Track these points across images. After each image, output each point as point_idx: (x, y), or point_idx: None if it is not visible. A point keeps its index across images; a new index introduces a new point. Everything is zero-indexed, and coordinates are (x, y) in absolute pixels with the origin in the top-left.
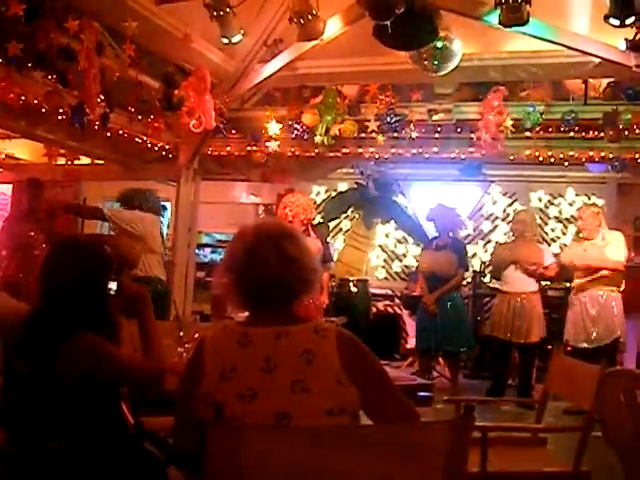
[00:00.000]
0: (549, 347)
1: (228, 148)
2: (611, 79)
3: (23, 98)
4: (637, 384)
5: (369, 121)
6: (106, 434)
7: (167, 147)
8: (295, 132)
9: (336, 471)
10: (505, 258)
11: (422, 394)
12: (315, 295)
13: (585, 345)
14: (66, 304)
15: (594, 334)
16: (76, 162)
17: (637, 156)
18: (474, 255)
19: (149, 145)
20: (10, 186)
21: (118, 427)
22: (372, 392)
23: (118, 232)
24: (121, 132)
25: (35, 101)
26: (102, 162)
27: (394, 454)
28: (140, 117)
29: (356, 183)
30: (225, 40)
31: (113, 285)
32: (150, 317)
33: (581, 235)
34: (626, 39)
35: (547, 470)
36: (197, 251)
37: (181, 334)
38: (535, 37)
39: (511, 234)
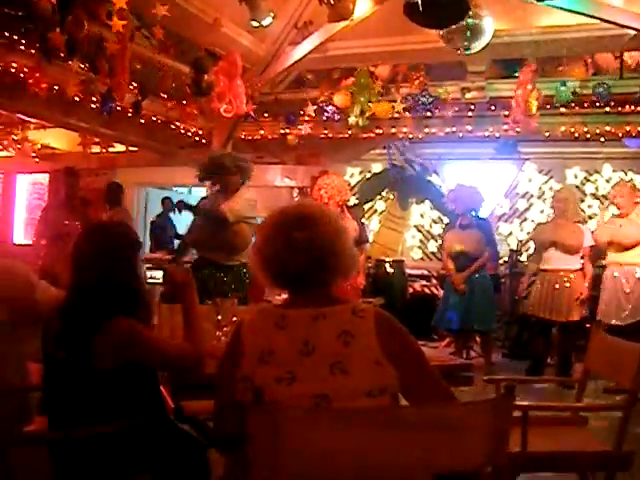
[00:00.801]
0: (588, 326)
1: (261, 132)
2: None
3: (56, 88)
4: None
5: (402, 101)
6: (146, 418)
7: (200, 132)
8: (326, 114)
9: (376, 453)
10: (544, 240)
11: (461, 374)
12: (353, 276)
13: (615, 322)
14: (97, 289)
15: (627, 311)
16: (110, 150)
17: None
18: (510, 234)
19: (182, 131)
20: (47, 176)
21: (158, 411)
22: (409, 373)
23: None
24: (154, 118)
25: (68, 90)
26: (136, 149)
27: (434, 435)
28: (173, 103)
29: (390, 164)
30: (255, 23)
31: (159, 273)
32: (193, 302)
33: (617, 212)
34: None
35: (588, 450)
36: None
37: (219, 318)
38: (567, 10)
39: (552, 212)
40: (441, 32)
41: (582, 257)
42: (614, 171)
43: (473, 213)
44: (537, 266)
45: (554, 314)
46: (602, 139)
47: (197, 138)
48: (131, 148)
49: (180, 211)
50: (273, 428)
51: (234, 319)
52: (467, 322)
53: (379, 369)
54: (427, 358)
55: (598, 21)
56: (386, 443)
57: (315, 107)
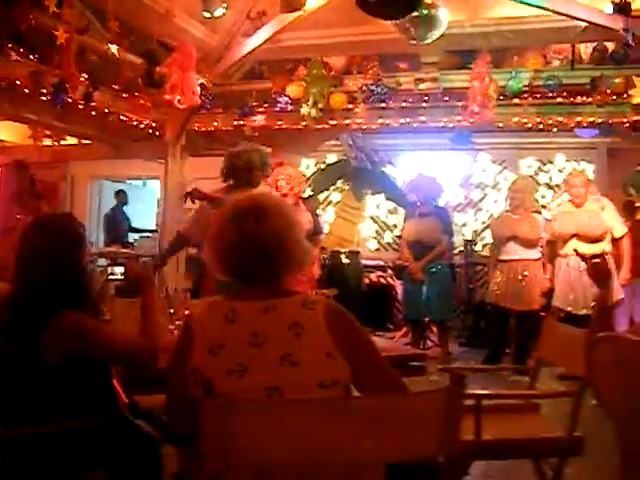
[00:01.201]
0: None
1: (215, 123)
2: (598, 43)
3: (5, 80)
4: (627, 349)
5: (356, 92)
6: (98, 414)
7: (154, 124)
8: (280, 105)
9: (328, 444)
10: (503, 234)
11: (414, 363)
12: (307, 267)
13: (586, 312)
14: (42, 283)
15: (588, 299)
16: (63, 143)
17: (625, 120)
18: (465, 224)
19: (135, 123)
20: None
21: (110, 406)
22: (360, 364)
23: None
24: (106, 111)
25: (18, 82)
26: (89, 142)
27: (386, 425)
28: (125, 95)
29: (345, 155)
30: (207, 14)
31: (120, 269)
32: (151, 297)
33: (573, 202)
34: (612, 2)
35: (540, 436)
36: None
37: (171, 311)
38: (521, 2)
39: (508, 203)
40: (396, 23)
41: (541, 247)
42: (567, 161)
43: (433, 203)
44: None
45: (515, 303)
46: (554, 129)
47: (150, 130)
48: (84, 141)
49: (193, 201)
50: (225, 421)
51: (186, 312)
52: (426, 312)
53: (331, 361)
54: (378, 349)
55: (551, 13)
56: (338, 434)
57: (269, 98)
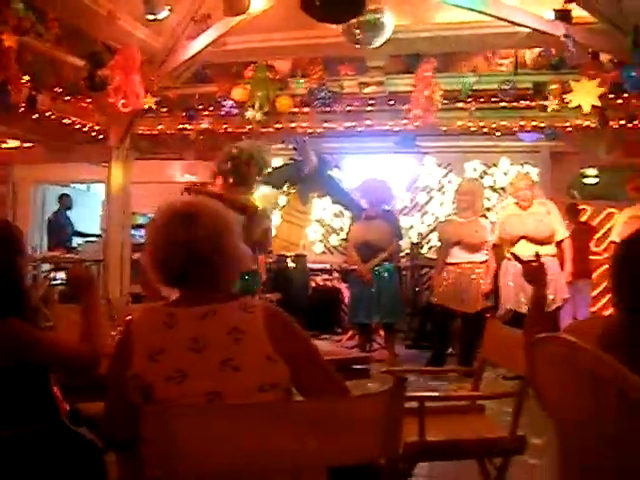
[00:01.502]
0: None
1: (160, 127)
2: (542, 49)
3: None
4: (562, 349)
5: (302, 96)
6: (38, 422)
7: (97, 128)
8: (225, 109)
9: (270, 449)
10: (449, 239)
11: (358, 366)
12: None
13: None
14: None
15: (548, 299)
16: (4, 146)
17: (567, 124)
18: (411, 227)
19: (78, 126)
20: None
21: (51, 414)
22: (300, 367)
23: None
24: (48, 114)
25: None
26: (31, 145)
27: (327, 428)
28: (68, 98)
29: (291, 158)
30: (150, 16)
31: (61, 274)
32: (92, 301)
33: (518, 205)
34: (554, 9)
35: (484, 436)
36: (133, 232)
37: (114, 317)
38: (465, 8)
39: (455, 206)
40: (342, 27)
41: (486, 250)
42: (511, 164)
43: (382, 207)
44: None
45: (460, 305)
46: (498, 133)
47: (94, 134)
48: (26, 144)
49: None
50: (165, 427)
51: (128, 318)
52: (376, 315)
53: (270, 365)
54: (319, 352)
55: (494, 19)
56: (279, 438)
57: (214, 102)
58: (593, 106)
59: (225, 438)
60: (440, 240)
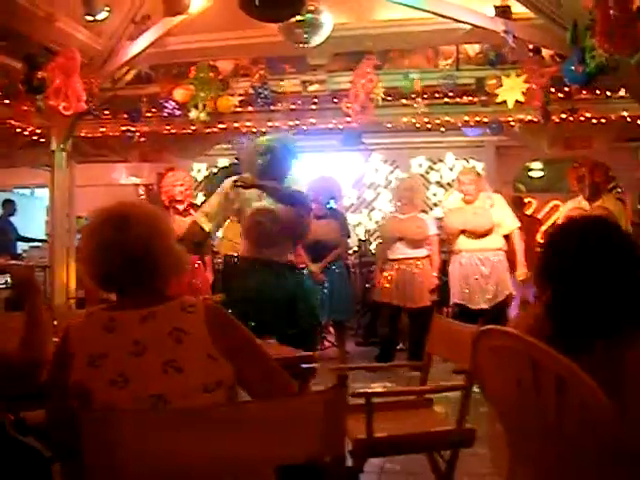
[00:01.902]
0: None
1: (102, 129)
2: (483, 45)
3: None
4: (503, 341)
5: (243, 96)
6: None
7: (38, 131)
8: (167, 110)
9: (214, 451)
10: (390, 236)
11: (305, 365)
12: (199, 273)
13: (484, 306)
14: None
15: (490, 294)
16: None
17: (510, 119)
18: (359, 224)
19: (18, 130)
20: None
21: None
22: (244, 364)
23: None
24: None
25: None
26: None
27: (270, 428)
28: (7, 101)
29: (236, 158)
30: (89, 17)
31: (6, 277)
32: (36, 304)
33: (463, 199)
34: (494, 5)
35: (432, 430)
36: (78, 236)
37: (55, 323)
38: (406, 5)
39: (395, 203)
40: (281, 26)
41: (428, 244)
42: (456, 159)
43: (332, 202)
44: (384, 256)
45: (406, 301)
46: (442, 129)
47: (35, 137)
48: None
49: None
50: (106, 433)
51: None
52: (328, 313)
53: (212, 363)
54: (262, 348)
55: (435, 16)
56: (223, 440)
57: (157, 103)
58: (520, 101)
59: (167, 442)
60: (382, 238)
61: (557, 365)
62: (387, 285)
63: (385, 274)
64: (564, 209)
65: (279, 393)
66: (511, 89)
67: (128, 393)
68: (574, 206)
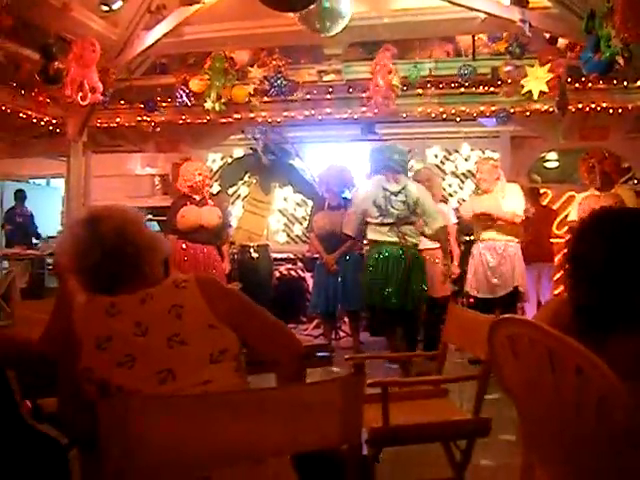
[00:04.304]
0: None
1: (118, 119)
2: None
3: None
4: (521, 330)
5: (259, 85)
6: None
7: (54, 121)
8: (180, 100)
9: (231, 437)
10: None
11: (321, 354)
12: (217, 263)
13: (489, 296)
14: None
15: (495, 284)
16: None
17: (526, 109)
18: None
19: (35, 120)
20: None
21: (10, 412)
22: (246, 325)
23: None
24: (4, 108)
25: None
26: None
27: (289, 415)
28: (24, 91)
29: (251, 148)
30: (105, 7)
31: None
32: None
33: (480, 189)
34: None
35: (448, 419)
36: None
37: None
38: None
39: None
40: (299, 15)
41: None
42: (472, 150)
43: (346, 191)
44: None
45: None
46: (457, 119)
47: (51, 127)
48: None
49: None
50: (123, 421)
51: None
52: (341, 303)
53: (214, 332)
54: (261, 309)
55: (451, 4)
56: (240, 426)
57: (172, 93)
58: (541, 92)
59: (185, 428)
60: None
61: (575, 354)
62: None
63: None
64: (577, 199)
65: (285, 349)
66: (536, 79)
67: (136, 372)
68: (586, 194)
